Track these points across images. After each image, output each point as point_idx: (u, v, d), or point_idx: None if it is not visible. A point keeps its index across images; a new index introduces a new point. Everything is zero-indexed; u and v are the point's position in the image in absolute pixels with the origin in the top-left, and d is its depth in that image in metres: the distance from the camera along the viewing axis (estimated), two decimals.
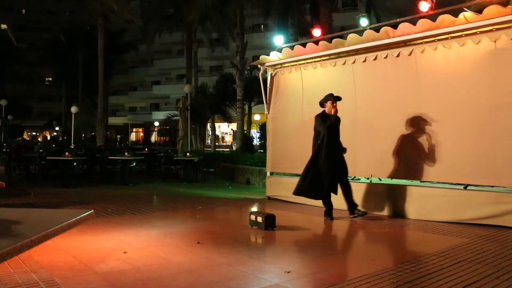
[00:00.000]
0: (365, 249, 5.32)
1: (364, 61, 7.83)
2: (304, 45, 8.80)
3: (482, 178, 6.36)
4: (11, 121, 40.77)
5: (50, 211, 2.39)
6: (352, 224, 6.71)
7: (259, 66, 9.84)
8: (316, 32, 9.12)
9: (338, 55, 8.24)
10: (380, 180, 7.70)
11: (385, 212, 7.28)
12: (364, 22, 8.11)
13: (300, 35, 21.27)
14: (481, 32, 6.28)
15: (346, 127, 7.27)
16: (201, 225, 6.41)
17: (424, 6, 7.00)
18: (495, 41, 6.21)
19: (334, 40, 8.21)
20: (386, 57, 7.50)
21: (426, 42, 6.96)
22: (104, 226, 6.15)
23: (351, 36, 7.81)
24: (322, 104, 7.04)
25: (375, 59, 7.66)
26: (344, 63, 8.16)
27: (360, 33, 7.71)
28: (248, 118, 27.91)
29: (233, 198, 9.82)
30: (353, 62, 8.00)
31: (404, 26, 7.11)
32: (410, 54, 7.21)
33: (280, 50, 9.17)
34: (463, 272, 3.99)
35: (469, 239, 5.46)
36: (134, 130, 58.98)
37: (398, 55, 7.36)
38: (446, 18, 6.52)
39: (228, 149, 30.69)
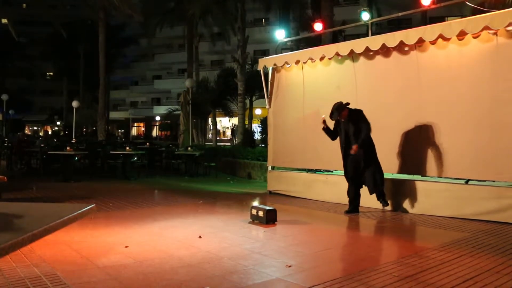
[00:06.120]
0: (366, 244, 5.33)
1: (365, 55, 7.81)
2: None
3: (482, 173, 6.35)
4: (13, 115, 40.82)
5: (52, 205, 2.39)
6: (353, 219, 6.72)
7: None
8: (318, 26, 9.10)
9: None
10: None
11: (387, 207, 7.28)
12: (365, 16, 8.10)
13: (302, 29, 21.23)
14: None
15: None
16: (202, 219, 6.43)
17: (426, 0, 6.96)
18: (496, 34, 6.18)
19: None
20: (387, 52, 7.47)
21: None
22: (105, 220, 6.18)
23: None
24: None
25: (376, 54, 7.64)
26: (345, 58, 8.13)
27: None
28: (250, 113, 27.87)
29: (234, 193, 9.84)
30: (354, 58, 7.98)
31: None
32: (411, 49, 7.19)
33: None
34: (463, 266, 4.00)
35: (470, 233, 5.47)
36: (135, 124, 58.96)
37: (399, 51, 7.33)
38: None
39: (229, 144, 30.67)
